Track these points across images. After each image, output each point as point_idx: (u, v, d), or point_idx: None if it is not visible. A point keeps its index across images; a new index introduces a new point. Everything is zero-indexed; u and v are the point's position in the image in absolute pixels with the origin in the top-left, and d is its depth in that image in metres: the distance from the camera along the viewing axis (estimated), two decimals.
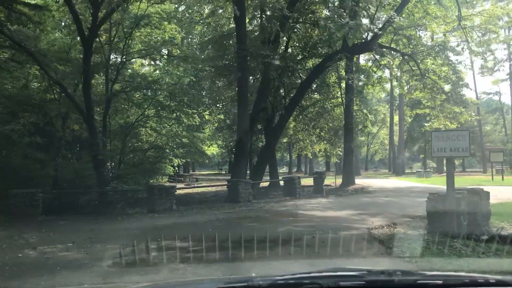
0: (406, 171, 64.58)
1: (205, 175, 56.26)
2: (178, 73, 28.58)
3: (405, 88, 27.99)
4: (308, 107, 28.61)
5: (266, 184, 26.25)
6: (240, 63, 19.32)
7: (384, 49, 23.50)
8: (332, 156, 32.67)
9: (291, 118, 30.51)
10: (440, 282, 2.06)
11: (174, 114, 27.48)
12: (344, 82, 25.92)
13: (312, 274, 2.08)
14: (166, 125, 28.42)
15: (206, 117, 43.68)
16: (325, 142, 30.99)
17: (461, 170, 67.06)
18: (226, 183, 17.27)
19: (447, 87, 24.60)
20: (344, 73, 25.16)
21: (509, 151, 68.70)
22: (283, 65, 19.71)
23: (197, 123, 31.01)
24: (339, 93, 27.11)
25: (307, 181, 24.70)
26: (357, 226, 10.58)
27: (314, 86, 26.55)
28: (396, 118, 67.14)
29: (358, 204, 15.15)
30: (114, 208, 15.52)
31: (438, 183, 28.75)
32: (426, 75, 24.07)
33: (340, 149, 31.29)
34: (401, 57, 24.66)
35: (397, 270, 2.19)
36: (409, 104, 65.96)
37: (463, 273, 2.54)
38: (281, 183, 24.06)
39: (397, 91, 64.36)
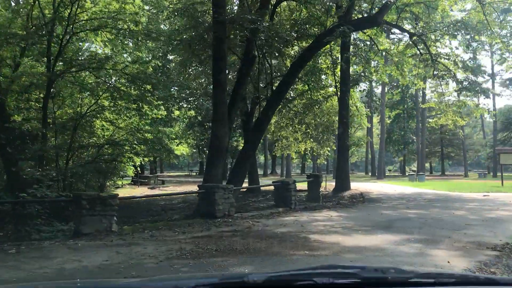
0: (385, 174, 60.76)
1: (174, 176, 50.79)
2: (140, 54, 23.51)
3: (407, 78, 23.36)
4: (293, 99, 23.83)
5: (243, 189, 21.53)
6: (217, 31, 14.34)
7: (391, 26, 18.96)
8: (319, 156, 27.91)
9: None
10: (433, 280, 1.97)
11: (135, 105, 22.47)
12: (339, 68, 21.26)
13: (307, 271, 1.97)
14: (125, 117, 23.29)
15: (176, 112, 38.54)
16: (311, 140, 26.29)
17: (441, 174, 63.76)
18: (198, 188, 12.02)
19: (459, 75, 20.18)
20: (340, 55, 20.59)
21: (487, 154, 65.86)
22: (272, 34, 14.78)
23: (164, 117, 25.78)
24: (333, 81, 22.47)
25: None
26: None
27: (302, 74, 21.91)
28: (375, 120, 63.39)
29: (387, 222, 10.34)
30: (34, 224, 10.40)
31: (441, 188, 24.50)
32: (437, 60, 19.64)
33: (328, 149, 26.62)
34: (409, 39, 20.24)
35: (391, 268, 2.12)
36: (389, 104, 62.29)
37: (456, 272, 2.36)
38: (269, 189, 19.29)
39: (377, 91, 60.54)
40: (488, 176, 52.86)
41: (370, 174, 59.72)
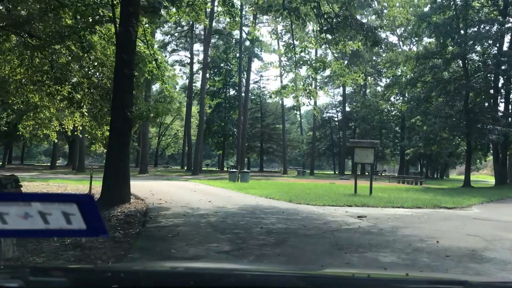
0: (203, 169, 51.94)
1: None
2: None
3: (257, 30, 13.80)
4: (30, 20, 12.33)
5: None
6: None
7: None
8: (96, 141, 16.62)
9: (15, 61, 14.11)
10: None
11: None
12: None
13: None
14: None
15: None
16: (86, 112, 15.11)
17: (259, 170, 57.71)
18: None
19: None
20: None
21: (304, 151, 62.37)
22: None
23: None
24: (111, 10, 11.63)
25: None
26: None
27: None
28: (194, 109, 54.30)
29: None
30: None
31: (276, 194, 15.74)
32: None
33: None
34: None
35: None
36: (210, 92, 53.69)
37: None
38: None
39: (197, 75, 51.41)
40: (306, 174, 48.14)
41: (186, 168, 50.39)
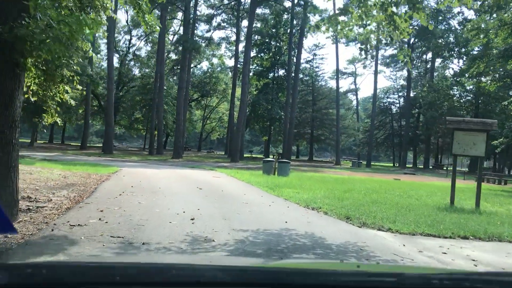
0: (245, 155, 46.48)
1: None
2: None
3: None
4: None
5: None
6: None
7: None
8: None
9: None
10: None
11: None
12: None
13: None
14: None
15: None
16: None
17: (308, 159, 51.45)
18: None
19: None
20: None
21: (359, 140, 55.25)
22: None
23: None
24: None
25: None
26: None
27: None
28: (238, 91, 48.75)
29: None
30: None
31: (324, 202, 9.59)
32: None
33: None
34: None
35: None
36: (257, 72, 47.86)
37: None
38: None
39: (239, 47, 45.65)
40: (362, 166, 41.39)
41: (228, 155, 45.18)
